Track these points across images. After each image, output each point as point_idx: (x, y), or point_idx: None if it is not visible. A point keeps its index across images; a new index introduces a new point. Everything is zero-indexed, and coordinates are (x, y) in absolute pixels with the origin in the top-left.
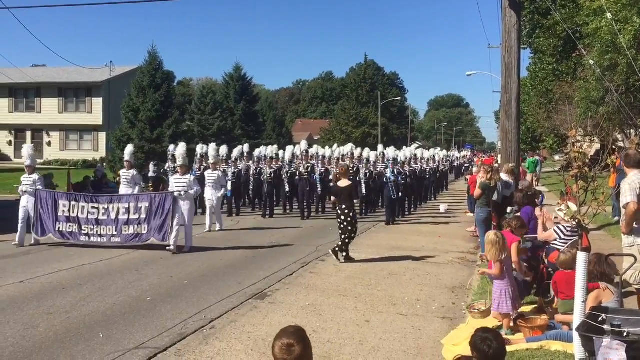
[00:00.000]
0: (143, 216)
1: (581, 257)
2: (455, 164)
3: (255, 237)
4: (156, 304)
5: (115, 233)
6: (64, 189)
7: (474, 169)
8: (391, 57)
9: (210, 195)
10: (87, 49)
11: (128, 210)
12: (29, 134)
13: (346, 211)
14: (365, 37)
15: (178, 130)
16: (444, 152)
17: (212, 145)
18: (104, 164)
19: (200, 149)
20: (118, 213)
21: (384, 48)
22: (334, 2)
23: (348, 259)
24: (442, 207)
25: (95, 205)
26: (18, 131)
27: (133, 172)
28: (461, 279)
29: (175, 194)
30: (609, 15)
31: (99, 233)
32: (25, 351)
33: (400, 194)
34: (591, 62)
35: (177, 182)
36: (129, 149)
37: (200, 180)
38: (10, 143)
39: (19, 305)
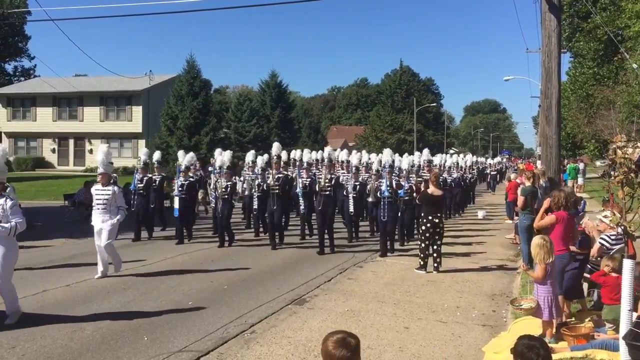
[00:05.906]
0: None
1: (627, 265)
2: (487, 172)
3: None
4: (197, 308)
5: None
6: None
7: (512, 175)
8: (426, 62)
9: (100, 223)
10: (127, 58)
11: None
12: (71, 141)
13: (435, 220)
14: (401, 43)
15: (215, 138)
16: (472, 157)
17: (102, 147)
18: None
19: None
20: None
21: (420, 54)
22: (369, 8)
23: (437, 268)
24: (480, 214)
25: None
26: (61, 139)
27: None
28: (501, 286)
29: None
30: None
31: None
32: (73, 352)
33: (400, 214)
34: (634, 65)
35: None
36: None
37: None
38: (54, 151)
39: (66, 308)
